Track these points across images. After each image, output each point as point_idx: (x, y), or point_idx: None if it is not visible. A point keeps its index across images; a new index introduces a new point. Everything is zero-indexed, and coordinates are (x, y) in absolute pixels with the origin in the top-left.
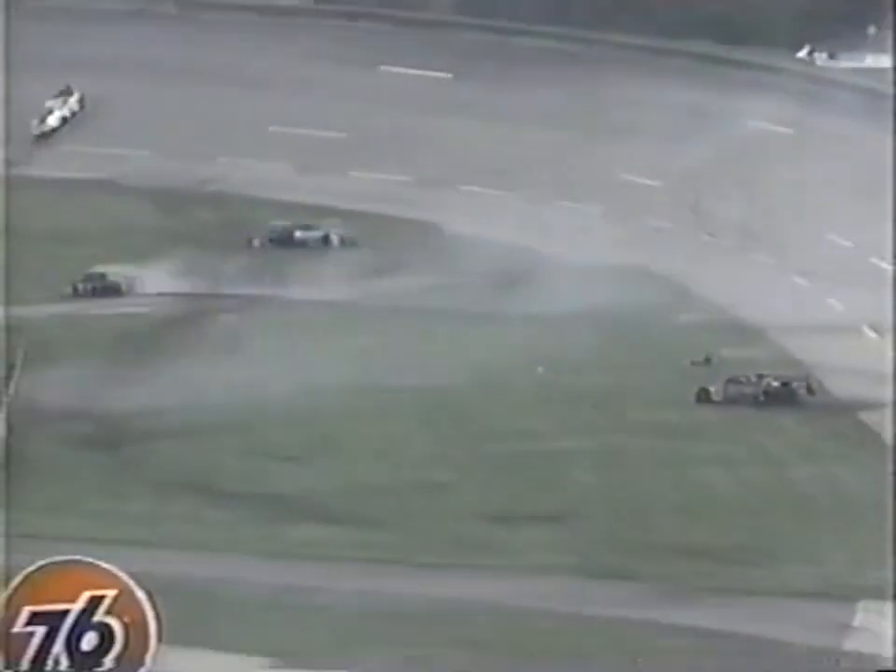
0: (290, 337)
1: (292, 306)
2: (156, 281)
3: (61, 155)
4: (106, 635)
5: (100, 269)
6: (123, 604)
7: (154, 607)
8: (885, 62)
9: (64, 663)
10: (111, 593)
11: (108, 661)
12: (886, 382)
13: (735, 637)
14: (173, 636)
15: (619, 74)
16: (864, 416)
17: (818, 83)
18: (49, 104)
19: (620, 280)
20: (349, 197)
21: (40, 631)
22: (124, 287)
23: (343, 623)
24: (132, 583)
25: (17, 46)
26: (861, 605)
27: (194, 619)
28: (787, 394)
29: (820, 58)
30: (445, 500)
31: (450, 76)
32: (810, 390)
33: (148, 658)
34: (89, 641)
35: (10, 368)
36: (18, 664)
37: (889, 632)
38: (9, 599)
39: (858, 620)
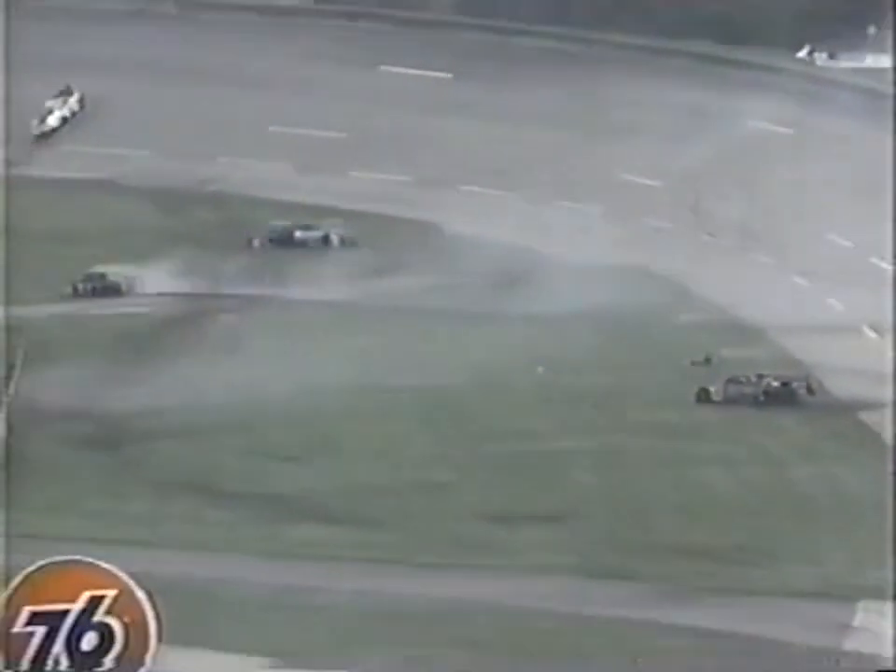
0: (290, 337)
1: (292, 306)
2: (156, 281)
3: (61, 155)
4: (106, 635)
5: (100, 269)
6: (123, 604)
7: (154, 607)
8: (885, 62)
9: (64, 663)
10: (111, 593)
11: (108, 661)
12: (886, 382)
13: (735, 637)
14: (173, 636)
15: (619, 74)
16: (864, 416)
17: (818, 83)
18: (48, 104)
19: (620, 280)
20: (349, 197)
21: (40, 631)
22: (124, 287)
23: (343, 623)
24: (132, 583)
25: (17, 46)
26: (860, 605)
27: (194, 619)
28: (787, 394)
29: (820, 58)
30: (445, 500)
31: (450, 76)
32: (810, 390)
33: (148, 658)
34: (89, 641)
35: (10, 368)
36: (18, 664)
37: (889, 632)
38: (9, 599)
39: (858, 620)
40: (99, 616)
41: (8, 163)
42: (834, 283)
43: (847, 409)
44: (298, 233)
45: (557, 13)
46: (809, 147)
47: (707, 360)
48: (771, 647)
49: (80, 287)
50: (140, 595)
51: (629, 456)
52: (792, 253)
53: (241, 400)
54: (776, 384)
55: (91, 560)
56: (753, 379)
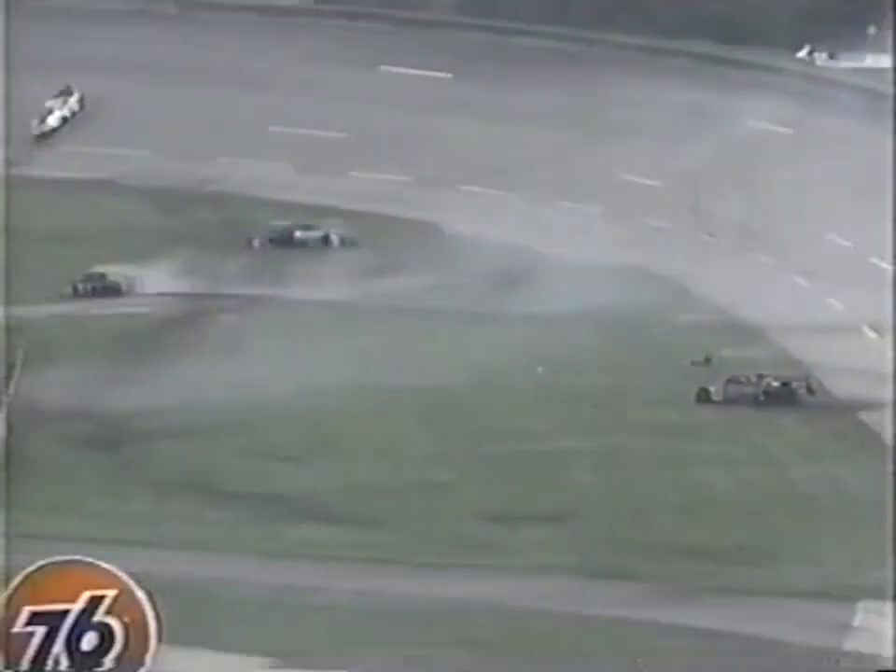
0: (290, 337)
1: (292, 306)
2: (156, 281)
3: (61, 155)
4: (106, 635)
5: (100, 269)
6: (123, 604)
7: (154, 607)
8: (885, 62)
9: (64, 663)
10: (111, 593)
11: (108, 661)
12: (886, 382)
13: (735, 636)
14: (173, 636)
15: (619, 74)
16: (864, 416)
17: (818, 83)
18: (49, 104)
19: (620, 280)
20: (349, 197)
21: (40, 631)
22: (124, 287)
23: (343, 622)
24: (132, 583)
25: (17, 46)
26: (860, 605)
27: (194, 619)
28: (787, 394)
29: (820, 58)
30: (445, 500)
31: (450, 76)
32: (810, 390)
33: (148, 658)
34: (89, 641)
35: (10, 368)
36: (18, 664)
37: (889, 632)
38: (9, 599)
39: (858, 620)
40: (99, 616)
41: (8, 163)
42: (834, 283)
43: (847, 409)
44: (298, 233)
45: (557, 13)
46: (809, 147)
47: (707, 360)
48: (771, 647)
49: (80, 286)
50: (140, 595)
51: (629, 456)
52: (792, 253)
53: (241, 400)
54: (776, 384)
55: (91, 560)
56: (753, 379)
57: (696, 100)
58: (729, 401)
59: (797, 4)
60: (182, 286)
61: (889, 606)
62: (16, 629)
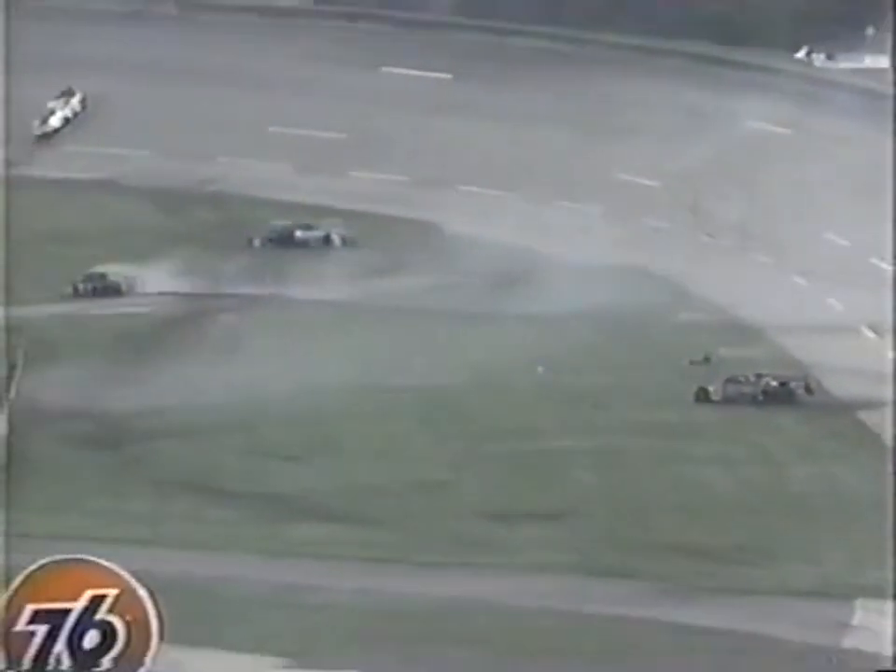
0: (290, 336)
1: (292, 306)
2: (156, 281)
3: (62, 155)
4: (108, 633)
5: (100, 269)
6: (125, 603)
7: (155, 605)
8: (882, 62)
9: (66, 661)
10: (113, 592)
11: (110, 659)
12: (884, 381)
13: (734, 635)
14: (174, 634)
15: (617, 74)
16: (863, 416)
17: (816, 84)
18: (50, 104)
19: (619, 280)
20: (349, 197)
21: (42, 629)
22: (124, 287)
23: (343, 621)
24: (133, 582)
25: (18, 46)
26: (858, 603)
27: (195, 618)
28: (785, 393)
29: (818, 59)
30: (445, 499)
31: (449, 76)
32: (809, 390)
33: (150, 656)
34: (91, 640)
35: (12, 367)
36: (20, 662)
37: (888, 630)
38: (11, 598)
39: (856, 618)
40: (101, 615)
41: (9, 163)
42: (833, 283)
43: (846, 408)
44: (298, 233)
45: (555, 14)
46: (807, 148)
47: (706, 360)
48: (769, 645)
49: (81, 286)
50: (142, 593)
51: (628, 456)
52: (791, 253)
53: (241, 400)
54: (774, 383)
55: (92, 559)
56: (752, 378)
57: (695, 100)
58: (728, 401)
59: (795, 5)
60: (182, 285)
61: (886, 604)
62: (18, 628)
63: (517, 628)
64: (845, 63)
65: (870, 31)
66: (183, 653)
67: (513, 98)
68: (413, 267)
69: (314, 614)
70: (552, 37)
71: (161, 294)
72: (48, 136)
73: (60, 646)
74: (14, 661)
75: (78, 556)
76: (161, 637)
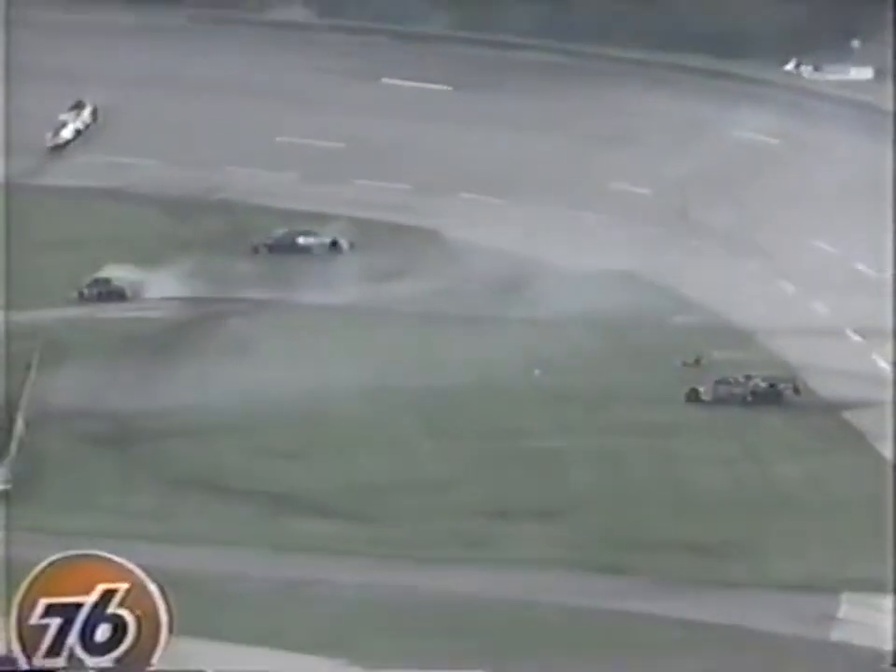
0: (296, 339)
1: (297, 310)
2: (162, 285)
3: (74, 165)
4: (119, 626)
5: (104, 274)
6: (135, 597)
7: (165, 599)
8: (867, 74)
9: (79, 653)
10: (124, 586)
11: (121, 651)
12: (869, 382)
13: (723, 627)
14: (182, 627)
15: (612, 86)
16: (848, 416)
17: (804, 95)
18: (62, 116)
19: (613, 285)
20: (352, 205)
21: (55, 623)
22: (129, 292)
23: (345, 614)
24: (143, 577)
25: (31, 59)
26: (844, 597)
27: (203, 611)
28: (774, 394)
29: (807, 70)
30: (445, 497)
31: (449, 88)
32: (796, 390)
33: (160, 649)
34: (102, 633)
35: (26, 369)
36: (34, 654)
37: (872, 622)
38: (26, 592)
39: (842, 611)
40: (112, 608)
41: (23, 173)
42: (820, 288)
43: (832, 408)
44: (301, 239)
45: (552, 27)
46: (796, 157)
47: (697, 362)
48: (757, 637)
49: (86, 291)
50: (152, 588)
51: (621, 454)
52: (780, 259)
53: (248, 401)
54: (763, 384)
55: (104, 554)
56: (741, 380)
57: (687, 111)
58: (718, 401)
59: (784, 18)
60: (190, 290)
61: (871, 597)
62: (32, 621)
63: (515, 622)
64: (831, 75)
65: (855, 43)
66: (192, 646)
67: (511, 109)
68: (414, 272)
69: (316, 607)
70: (549, 50)
71: (169, 298)
72: (59, 148)
73: (72, 639)
74: (29, 653)
75: (90, 552)
76: (171, 631)
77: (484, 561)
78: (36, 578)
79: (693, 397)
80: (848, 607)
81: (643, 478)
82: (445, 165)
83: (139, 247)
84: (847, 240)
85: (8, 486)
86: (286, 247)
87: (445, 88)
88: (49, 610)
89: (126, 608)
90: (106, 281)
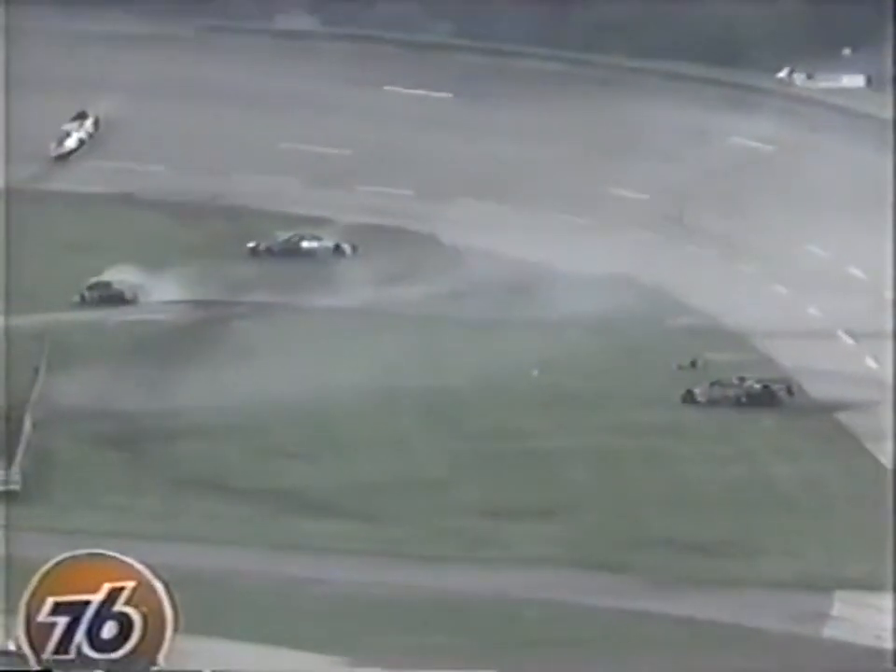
0: (300, 342)
1: (301, 313)
2: (166, 289)
3: (83, 170)
4: (125, 624)
5: (105, 278)
6: (141, 595)
7: (171, 597)
8: (858, 81)
9: (86, 650)
10: (130, 584)
11: (127, 649)
12: (861, 384)
13: (718, 625)
14: (188, 625)
15: (610, 93)
16: (840, 416)
17: (797, 102)
18: (65, 127)
19: (610, 289)
20: (355, 210)
21: (63, 621)
22: (129, 295)
23: (348, 611)
24: (149, 576)
25: (44, 67)
26: (837, 595)
27: (208, 608)
28: (767, 395)
29: (799, 78)
30: (445, 496)
31: (450, 95)
32: (789, 392)
33: (165, 646)
34: (109, 630)
35: (35, 371)
36: (42, 651)
37: (864, 620)
38: (34, 591)
39: (835, 609)
40: (119, 606)
41: (31, 179)
42: (813, 291)
43: (824, 409)
44: (306, 243)
45: (552, 36)
46: (790, 163)
47: (693, 364)
48: (752, 634)
49: (87, 294)
50: (157, 586)
51: (618, 454)
52: (774, 263)
53: (254, 402)
54: (757, 386)
55: (111, 553)
56: (736, 381)
57: (684, 118)
58: (713, 402)
59: (778, 28)
60: (195, 293)
61: (864, 596)
62: (40, 619)
63: (514, 619)
64: (824, 83)
65: (847, 52)
66: (197, 643)
67: (512, 116)
68: (416, 276)
69: (319, 604)
70: (548, 59)
71: (173, 302)
72: (63, 157)
73: (80, 636)
74: (37, 650)
75: (97, 551)
76: (176, 628)
77: (485, 559)
78: (45, 576)
79: (689, 398)
80: (842, 605)
81: (640, 478)
82: (447, 171)
83: (145, 251)
84: (840, 244)
85: (17, 487)
86: (290, 251)
87: (447, 95)
88: (57, 608)
89: (132, 606)
90: (107, 284)
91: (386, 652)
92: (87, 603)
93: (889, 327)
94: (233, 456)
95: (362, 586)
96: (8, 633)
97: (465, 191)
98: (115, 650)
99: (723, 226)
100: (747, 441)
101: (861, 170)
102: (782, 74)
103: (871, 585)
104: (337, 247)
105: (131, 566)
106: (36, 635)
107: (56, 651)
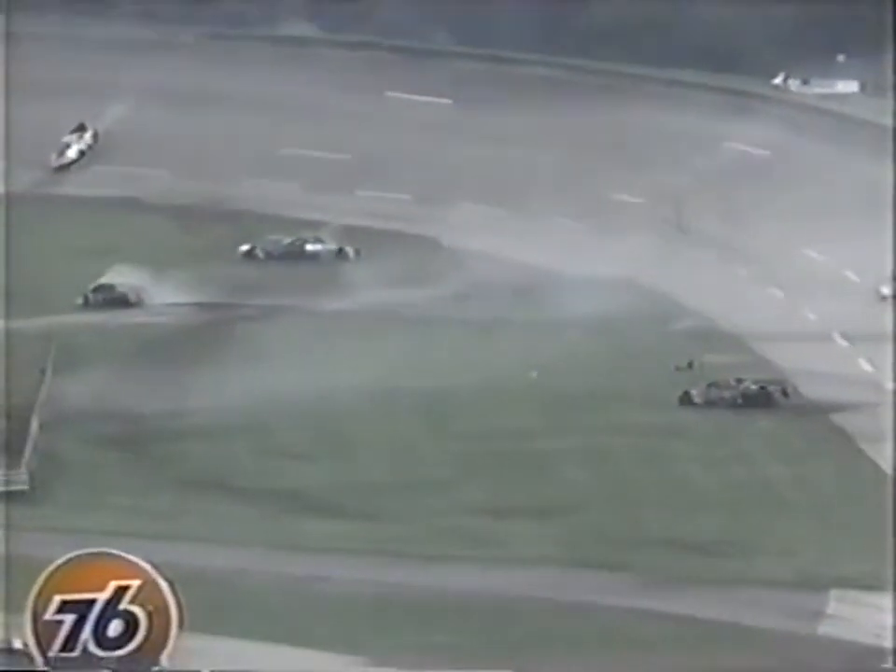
0: (304, 344)
1: (305, 315)
2: (169, 291)
3: (87, 175)
4: (131, 622)
5: (108, 280)
6: (147, 593)
7: (176, 596)
8: (853, 87)
9: (92, 648)
10: (136, 583)
11: (133, 646)
12: (855, 386)
13: (716, 623)
14: (193, 623)
15: (607, 99)
16: (835, 417)
17: (792, 108)
18: (65, 139)
19: (609, 291)
20: (356, 214)
21: (70, 619)
22: (132, 298)
23: (351, 609)
24: (155, 574)
25: (42, 73)
26: (832, 594)
27: (213, 607)
28: (764, 397)
29: (794, 84)
30: (445, 496)
31: (449, 101)
32: (785, 393)
33: (170, 644)
34: (115, 628)
35: (41, 372)
36: (49, 649)
37: (859, 618)
38: (41, 589)
39: (830, 607)
40: (124, 605)
41: (36, 183)
42: (808, 294)
43: (820, 411)
44: (309, 247)
45: (550, 43)
46: (785, 168)
47: (690, 365)
48: (748, 632)
49: (90, 297)
50: (163, 584)
51: (616, 455)
52: (770, 266)
53: (258, 404)
54: (753, 387)
55: (116, 552)
56: (732, 383)
57: (681, 124)
58: (710, 404)
59: (773, 34)
60: (198, 296)
61: (858, 594)
62: (47, 617)
63: (513, 617)
64: (818, 88)
65: (841, 58)
66: (202, 641)
67: (511, 122)
68: (418, 279)
69: (324, 603)
70: (547, 65)
71: (176, 304)
72: (64, 168)
73: (86, 634)
74: (44, 647)
75: (103, 550)
76: (181, 626)
77: (485, 558)
78: (51, 575)
79: (687, 399)
80: (837, 603)
81: (638, 478)
82: (446, 176)
83: (148, 254)
84: (835, 248)
85: (25, 487)
86: (293, 255)
87: (446, 101)
88: (64, 607)
89: (138, 604)
90: (110, 287)
91: (386, 651)
92: (93, 601)
93: (883, 329)
94: (237, 457)
95: (363, 585)
96: (14, 631)
97: (465, 196)
98: (120, 647)
99: (721, 230)
100: (743, 442)
101: (855, 174)
102: (777, 80)
103: (866, 584)
104: (340, 251)
105: (136, 564)
106: (43, 632)
107: (62, 649)
